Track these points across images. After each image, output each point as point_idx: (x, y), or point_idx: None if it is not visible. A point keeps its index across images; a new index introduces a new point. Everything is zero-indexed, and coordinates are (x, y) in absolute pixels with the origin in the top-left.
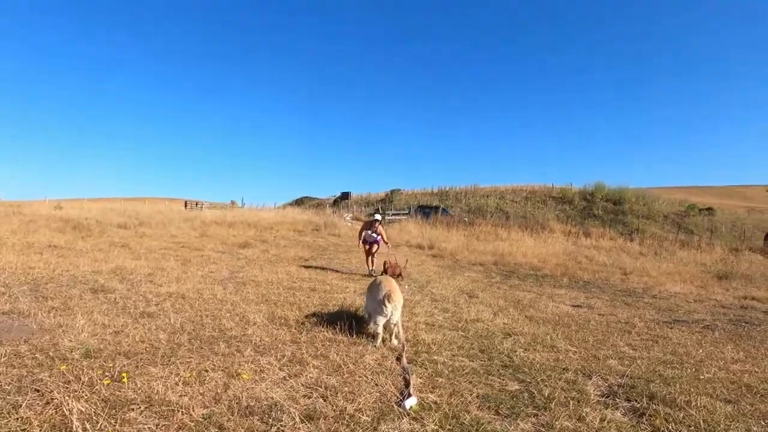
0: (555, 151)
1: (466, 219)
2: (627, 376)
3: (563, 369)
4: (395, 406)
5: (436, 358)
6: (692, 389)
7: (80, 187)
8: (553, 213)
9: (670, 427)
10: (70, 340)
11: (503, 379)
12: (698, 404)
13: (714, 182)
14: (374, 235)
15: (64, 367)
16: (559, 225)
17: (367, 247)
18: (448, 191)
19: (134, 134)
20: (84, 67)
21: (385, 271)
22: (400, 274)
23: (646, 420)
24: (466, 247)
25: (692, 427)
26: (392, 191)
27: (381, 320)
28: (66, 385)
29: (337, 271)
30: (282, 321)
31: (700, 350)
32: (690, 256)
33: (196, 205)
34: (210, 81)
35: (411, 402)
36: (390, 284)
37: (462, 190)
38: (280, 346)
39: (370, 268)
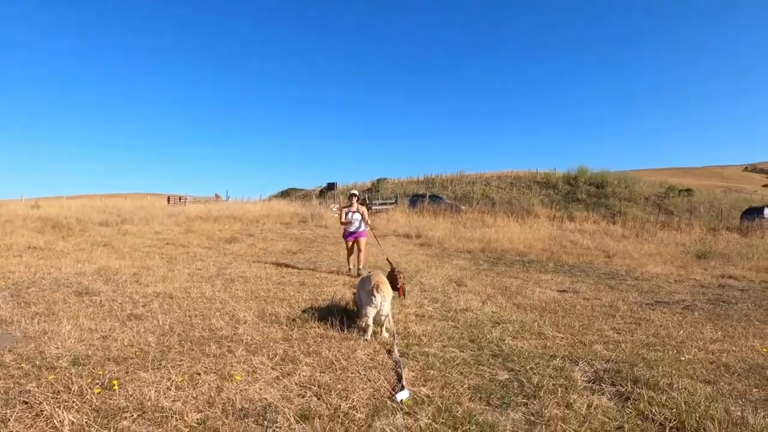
0: (539, 137)
1: (463, 207)
2: (612, 360)
3: (551, 356)
4: (388, 401)
5: (426, 350)
6: (674, 371)
7: (57, 185)
8: (538, 198)
9: (654, 410)
10: (57, 348)
11: (493, 369)
12: (680, 386)
13: (692, 163)
14: (357, 216)
15: (52, 376)
16: (544, 210)
17: (351, 242)
18: (435, 179)
19: (113, 129)
20: (57, 61)
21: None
22: (401, 288)
23: (631, 404)
24: (453, 234)
25: (674, 409)
26: (378, 180)
27: (371, 312)
28: (55, 396)
29: (326, 264)
30: (273, 318)
31: (681, 331)
32: (670, 236)
33: (180, 199)
34: (189, 73)
35: (403, 395)
36: (379, 277)
37: (448, 178)
38: (271, 344)
39: (359, 267)
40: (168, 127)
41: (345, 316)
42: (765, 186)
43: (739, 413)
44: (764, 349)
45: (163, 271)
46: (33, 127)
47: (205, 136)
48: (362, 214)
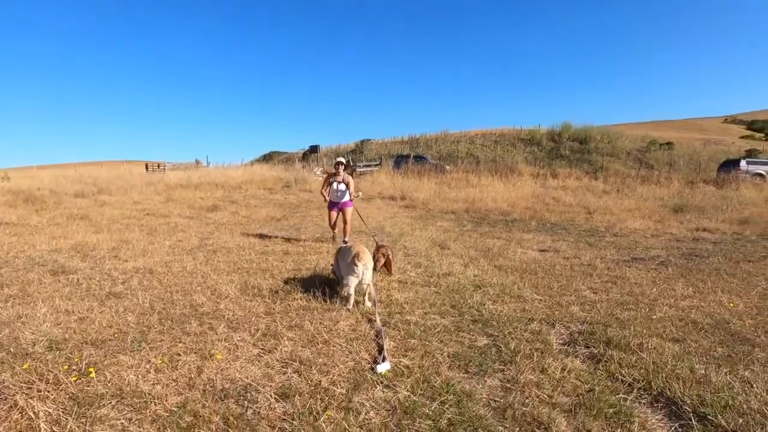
0: (524, 92)
1: (448, 167)
2: (587, 322)
3: (529, 319)
4: (369, 374)
5: (408, 318)
6: (645, 331)
7: (27, 155)
8: (522, 155)
9: (624, 372)
10: (32, 332)
11: (473, 335)
12: (649, 346)
13: (673, 116)
14: (342, 187)
15: (27, 365)
16: (527, 168)
17: (336, 212)
18: (419, 139)
19: (84, 93)
20: (22, 22)
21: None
22: (387, 263)
23: (602, 366)
24: (437, 195)
25: (643, 370)
26: (362, 141)
27: (353, 281)
28: (29, 387)
29: (310, 230)
30: (255, 291)
31: (654, 289)
32: (650, 191)
33: (158, 167)
34: (164, 33)
35: (384, 367)
36: (359, 246)
37: (432, 137)
38: (253, 319)
39: (345, 239)
40: (143, 90)
41: (327, 286)
42: (743, 137)
43: (702, 371)
44: (731, 304)
45: (143, 245)
46: None
47: (181, 100)
48: (347, 185)
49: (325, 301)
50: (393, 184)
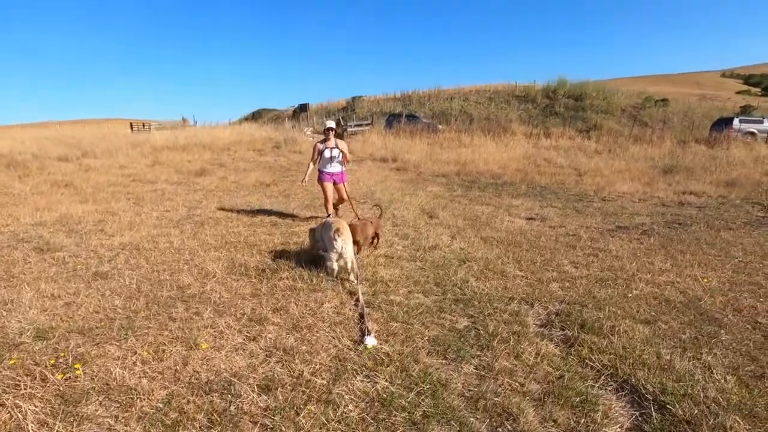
0: (519, 45)
1: (440, 126)
2: (565, 301)
3: (509, 298)
4: (349, 363)
5: (392, 297)
6: (619, 311)
7: (7, 114)
8: (516, 113)
9: (594, 357)
10: (19, 321)
11: (454, 316)
12: (621, 330)
13: (671, 70)
14: (336, 153)
15: (14, 360)
16: (521, 127)
17: (329, 187)
18: (411, 95)
19: (65, 47)
20: None
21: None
22: (375, 237)
23: (574, 351)
24: (429, 157)
25: (612, 355)
26: (353, 98)
27: (334, 256)
28: (17, 385)
29: (300, 196)
30: (242, 270)
31: (634, 263)
32: (641, 151)
33: (143, 126)
34: None
35: (371, 341)
36: (340, 222)
37: (425, 94)
38: (239, 302)
39: (331, 211)
40: (127, 43)
41: (314, 265)
42: (738, 93)
43: (668, 357)
44: (705, 280)
45: (129, 216)
46: None
47: (167, 53)
48: (342, 150)
49: (311, 280)
50: (385, 144)
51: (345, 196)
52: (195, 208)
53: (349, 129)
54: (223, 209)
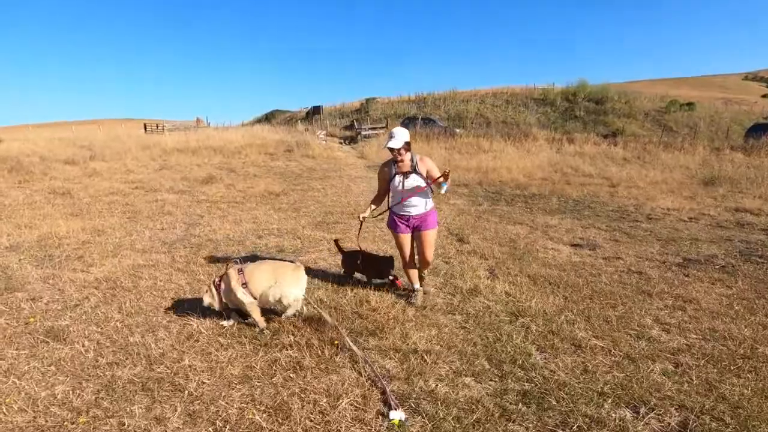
0: (537, 48)
1: (458, 131)
2: (684, 406)
3: (599, 394)
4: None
5: (432, 384)
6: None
7: (24, 112)
8: (535, 116)
9: None
10: None
11: (526, 427)
12: None
13: (692, 73)
14: (415, 181)
15: None
16: (542, 132)
17: (405, 240)
18: (426, 98)
19: (86, 49)
20: None
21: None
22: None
23: None
24: (448, 163)
25: None
26: (367, 100)
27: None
28: None
29: (311, 210)
30: (233, 329)
31: (741, 324)
32: (673, 159)
33: (157, 127)
34: None
35: (398, 415)
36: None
37: (441, 96)
38: (222, 393)
39: (421, 286)
40: (145, 45)
41: (328, 312)
42: (764, 96)
43: None
44: None
45: (118, 237)
46: None
47: (184, 56)
48: (426, 174)
49: (322, 351)
50: None
51: (427, 250)
52: (194, 226)
53: (362, 132)
54: (224, 227)
